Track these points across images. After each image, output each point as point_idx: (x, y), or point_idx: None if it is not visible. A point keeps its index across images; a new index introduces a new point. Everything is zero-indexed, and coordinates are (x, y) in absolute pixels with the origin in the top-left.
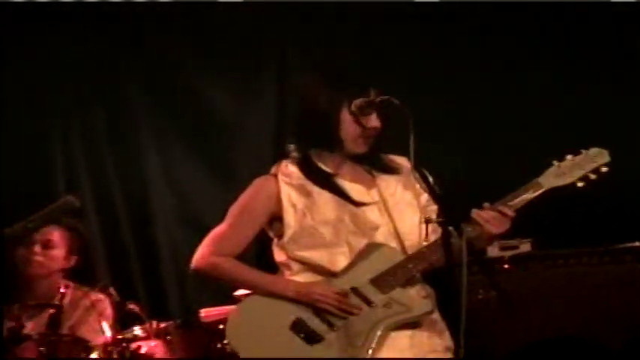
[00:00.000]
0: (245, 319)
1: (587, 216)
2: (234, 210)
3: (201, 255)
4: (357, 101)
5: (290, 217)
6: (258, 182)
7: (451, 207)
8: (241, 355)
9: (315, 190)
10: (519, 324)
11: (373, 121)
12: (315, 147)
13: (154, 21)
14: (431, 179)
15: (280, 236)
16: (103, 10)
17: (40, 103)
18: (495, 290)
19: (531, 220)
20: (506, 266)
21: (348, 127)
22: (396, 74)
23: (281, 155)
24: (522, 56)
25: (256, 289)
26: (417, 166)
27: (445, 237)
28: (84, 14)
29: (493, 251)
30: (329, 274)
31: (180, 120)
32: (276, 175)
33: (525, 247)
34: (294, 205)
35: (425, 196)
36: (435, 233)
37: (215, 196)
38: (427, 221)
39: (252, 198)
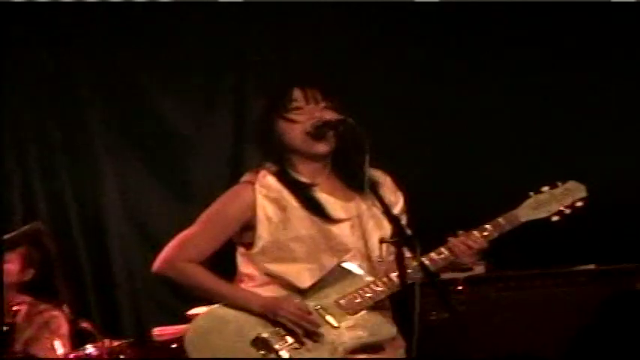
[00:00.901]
0: (206, 330)
1: (542, 238)
2: (206, 215)
3: (165, 258)
4: (314, 122)
5: (263, 230)
6: (234, 190)
7: (404, 227)
8: None
9: (291, 204)
10: (471, 345)
11: (302, 116)
12: (270, 158)
13: (109, 33)
14: (397, 202)
15: (248, 245)
16: (59, 23)
17: None
18: (448, 311)
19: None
20: (459, 287)
21: (287, 130)
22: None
23: (237, 174)
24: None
25: (222, 300)
26: (373, 187)
27: (399, 257)
28: (38, 28)
29: (446, 273)
30: (294, 289)
31: (137, 137)
32: (253, 184)
33: (479, 269)
34: (269, 219)
35: (399, 207)
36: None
37: (172, 214)
38: (382, 241)
39: (226, 204)
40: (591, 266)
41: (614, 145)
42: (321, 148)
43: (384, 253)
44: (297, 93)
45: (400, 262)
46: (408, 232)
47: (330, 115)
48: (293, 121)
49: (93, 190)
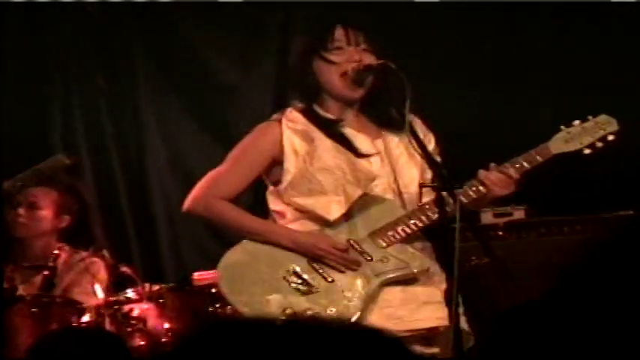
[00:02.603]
0: (238, 265)
1: (583, 183)
2: (234, 153)
3: (195, 195)
4: (355, 66)
5: (290, 163)
6: (261, 127)
7: (447, 172)
8: (229, 300)
9: (318, 136)
10: (511, 289)
11: (340, 57)
12: (307, 100)
13: None
14: (429, 143)
15: (277, 183)
16: None
17: (39, 64)
18: (488, 257)
19: (526, 187)
20: (500, 233)
21: (324, 70)
22: (407, 43)
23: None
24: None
25: (253, 235)
26: (413, 131)
27: (439, 202)
28: None
29: (487, 218)
30: (323, 222)
31: (179, 82)
32: (279, 121)
33: (519, 214)
34: (295, 152)
35: (431, 147)
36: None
37: (213, 158)
38: (422, 186)
39: (254, 142)
40: (630, 212)
41: None
42: (357, 93)
43: (422, 197)
44: (339, 32)
45: (440, 207)
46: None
47: (369, 59)
48: (332, 62)
49: (135, 136)
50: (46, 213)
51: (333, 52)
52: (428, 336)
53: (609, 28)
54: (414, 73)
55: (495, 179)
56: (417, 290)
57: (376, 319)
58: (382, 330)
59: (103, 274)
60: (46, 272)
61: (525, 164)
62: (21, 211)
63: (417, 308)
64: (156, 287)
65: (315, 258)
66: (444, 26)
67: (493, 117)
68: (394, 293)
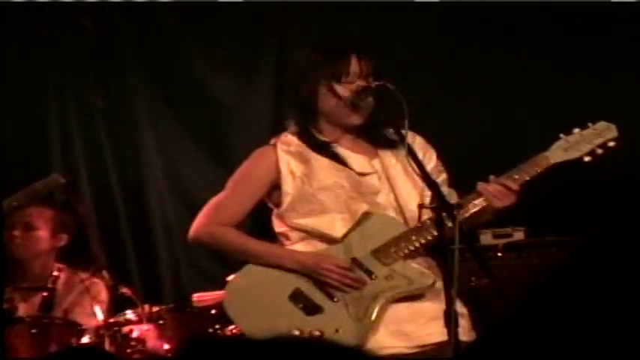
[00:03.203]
0: (243, 288)
1: (581, 203)
2: (233, 179)
3: (199, 224)
4: (353, 86)
5: (288, 185)
6: (257, 152)
7: (444, 189)
8: (237, 324)
9: (313, 156)
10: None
11: (347, 91)
12: (304, 121)
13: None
14: (430, 160)
15: (279, 205)
16: None
17: (37, 80)
18: (488, 277)
19: (525, 209)
20: (499, 254)
21: (328, 101)
22: (401, 53)
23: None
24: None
25: (257, 259)
26: (412, 152)
27: (438, 223)
28: None
29: (486, 239)
30: (328, 240)
31: (176, 101)
32: (275, 145)
33: (519, 235)
34: (292, 173)
35: (432, 164)
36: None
37: (212, 179)
38: (421, 206)
39: (251, 167)
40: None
41: None
42: (356, 120)
43: (421, 217)
44: (354, 65)
45: (439, 229)
46: (450, 193)
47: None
48: (339, 93)
49: (133, 156)
50: (42, 233)
51: (344, 84)
52: (435, 353)
53: (606, 30)
54: (406, 83)
55: (494, 191)
56: (424, 306)
57: (384, 335)
58: (364, 351)
59: (104, 295)
60: (45, 293)
61: (524, 175)
62: (16, 232)
63: (425, 324)
64: (155, 308)
65: (319, 279)
66: (436, 32)
67: (490, 127)
68: (401, 310)
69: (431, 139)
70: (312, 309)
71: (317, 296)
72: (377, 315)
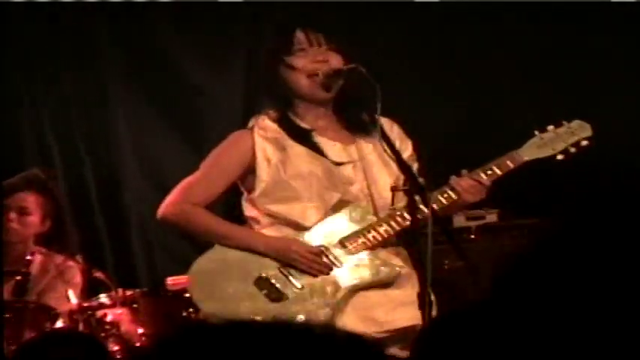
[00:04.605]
0: (207, 272)
1: (554, 185)
2: (207, 161)
3: (169, 202)
4: (325, 70)
5: (263, 171)
6: (234, 135)
7: (417, 175)
8: (200, 307)
9: (289, 143)
10: (484, 293)
11: (303, 61)
12: (280, 107)
13: None
14: (406, 149)
15: (251, 190)
16: None
17: (8, 74)
18: (462, 260)
19: (498, 190)
20: (472, 236)
21: (290, 77)
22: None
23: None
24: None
25: (226, 241)
26: (385, 135)
27: (411, 206)
28: None
29: (460, 221)
30: (299, 228)
31: (151, 90)
32: (252, 129)
33: (492, 217)
34: (268, 159)
35: (407, 153)
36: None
37: (185, 165)
38: (393, 189)
39: (226, 150)
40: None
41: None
42: (327, 95)
43: (395, 201)
44: (299, 35)
45: (412, 211)
46: (420, 180)
47: (336, 60)
48: (297, 64)
49: (107, 143)
50: (35, 218)
51: (297, 54)
52: (404, 337)
53: (587, 29)
54: (388, 77)
55: (467, 185)
56: (393, 292)
57: (352, 321)
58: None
59: (78, 279)
60: (18, 277)
61: (497, 170)
62: (12, 216)
63: (393, 309)
64: (129, 292)
65: (287, 264)
66: (421, 30)
67: (466, 122)
68: (370, 296)
69: (425, 137)
70: (276, 296)
71: (282, 283)
72: (341, 304)
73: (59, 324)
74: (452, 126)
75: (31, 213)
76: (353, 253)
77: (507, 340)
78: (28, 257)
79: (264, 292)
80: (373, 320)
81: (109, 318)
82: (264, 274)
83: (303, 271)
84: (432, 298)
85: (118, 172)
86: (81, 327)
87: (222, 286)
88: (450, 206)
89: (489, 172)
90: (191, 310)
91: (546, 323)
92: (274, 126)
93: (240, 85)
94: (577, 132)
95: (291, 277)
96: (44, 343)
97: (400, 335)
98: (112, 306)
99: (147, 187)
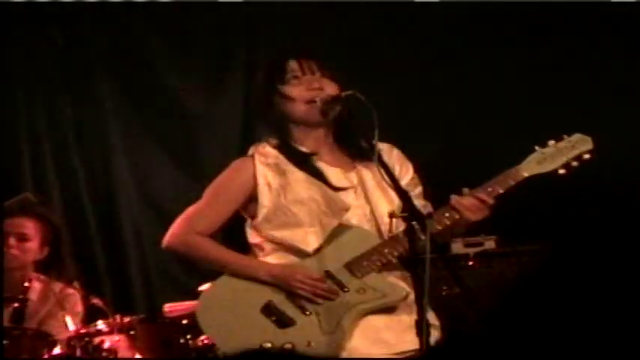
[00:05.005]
0: (215, 300)
1: (553, 212)
2: (210, 189)
3: (174, 232)
4: (323, 96)
5: (264, 197)
6: (235, 163)
7: (419, 199)
8: (208, 335)
9: (290, 168)
10: (482, 319)
11: (297, 90)
12: (279, 134)
13: (121, 9)
14: (407, 173)
15: (254, 217)
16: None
17: (7, 94)
18: (459, 287)
19: (496, 217)
20: (470, 263)
21: (286, 101)
22: (370, 65)
23: (247, 151)
24: (501, 40)
25: (231, 270)
26: (382, 161)
27: (409, 232)
28: (49, 9)
29: (458, 248)
30: (301, 254)
31: (148, 114)
32: (252, 156)
33: (490, 244)
34: (269, 185)
35: (408, 177)
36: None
37: (182, 190)
38: (391, 216)
39: (229, 178)
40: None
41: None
42: (315, 115)
43: (393, 227)
44: (292, 64)
45: (410, 238)
46: (419, 207)
47: (330, 87)
48: (292, 92)
49: (104, 168)
50: (33, 244)
51: (291, 83)
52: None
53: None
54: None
55: (468, 204)
56: (400, 317)
57: (362, 344)
58: None
59: (79, 306)
60: (16, 304)
61: (498, 188)
62: (11, 242)
63: (403, 332)
64: (127, 319)
65: (291, 291)
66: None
67: (465, 139)
68: (378, 319)
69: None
70: (284, 322)
71: (289, 309)
72: (349, 328)
73: (57, 351)
74: (447, 143)
75: (30, 239)
76: (359, 277)
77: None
78: (26, 284)
79: (272, 318)
80: (384, 342)
81: (106, 345)
82: (271, 300)
83: (305, 299)
84: (436, 322)
85: (115, 198)
86: (78, 353)
87: (230, 313)
88: (452, 226)
89: (490, 190)
90: (189, 337)
91: (546, 349)
92: (274, 152)
93: (238, 109)
94: (577, 145)
95: (298, 303)
96: None
97: (407, 358)
98: (110, 332)
99: (144, 214)
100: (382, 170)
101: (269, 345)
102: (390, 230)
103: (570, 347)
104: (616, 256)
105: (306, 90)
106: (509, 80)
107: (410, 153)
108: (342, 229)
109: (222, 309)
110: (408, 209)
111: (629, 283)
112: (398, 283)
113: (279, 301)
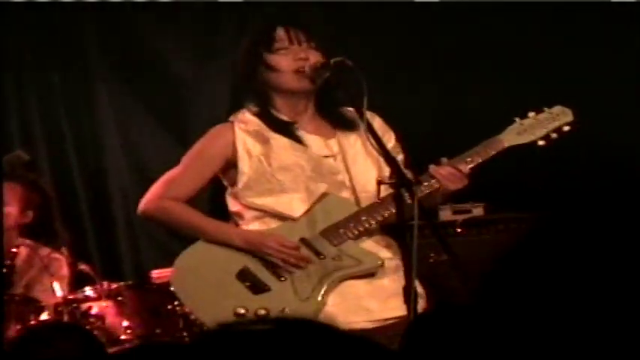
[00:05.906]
0: (191, 266)
1: (540, 179)
2: (189, 155)
3: (150, 197)
4: (313, 64)
5: (244, 164)
6: (215, 129)
7: (404, 168)
8: (183, 302)
9: (272, 135)
10: (469, 287)
11: (285, 59)
12: (261, 103)
13: None
14: (389, 141)
15: (234, 184)
16: None
17: None
18: (447, 254)
19: (484, 184)
20: (458, 230)
21: (271, 70)
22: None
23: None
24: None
25: (205, 236)
26: (371, 128)
27: (397, 199)
28: None
29: (446, 215)
30: (284, 219)
31: (138, 81)
32: (232, 123)
33: (478, 211)
34: (248, 152)
35: (390, 145)
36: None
37: (171, 157)
38: (379, 182)
39: (207, 143)
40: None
41: None
42: (309, 86)
43: (379, 193)
44: (280, 33)
45: (399, 204)
46: (407, 173)
47: (315, 56)
48: (279, 63)
49: (93, 134)
50: (12, 209)
51: (278, 53)
52: (393, 328)
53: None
54: (368, 68)
55: (446, 174)
56: (384, 283)
57: (344, 311)
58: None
59: (64, 271)
60: (4, 270)
61: (477, 158)
62: None
63: (386, 299)
64: (114, 285)
65: (265, 257)
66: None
67: (446, 109)
68: (361, 286)
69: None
70: (258, 287)
71: (264, 275)
72: (325, 295)
73: (44, 316)
74: (428, 113)
75: (7, 203)
76: (335, 245)
77: (495, 335)
78: (13, 250)
79: (247, 284)
80: (364, 310)
81: (94, 311)
82: (246, 266)
83: (279, 266)
84: (421, 290)
85: (104, 164)
86: (66, 319)
87: (204, 280)
88: (432, 195)
89: (469, 160)
90: (176, 303)
91: (535, 319)
92: (255, 119)
93: (227, 76)
94: (558, 117)
95: (273, 269)
96: (45, 332)
97: (392, 325)
98: (97, 299)
99: (132, 180)
100: (371, 137)
101: (242, 311)
102: (377, 197)
103: (561, 317)
104: (608, 227)
105: (293, 60)
106: (493, 50)
107: (394, 122)
108: (322, 197)
109: (197, 275)
110: (396, 175)
111: (623, 252)
112: (379, 250)
113: (255, 267)
